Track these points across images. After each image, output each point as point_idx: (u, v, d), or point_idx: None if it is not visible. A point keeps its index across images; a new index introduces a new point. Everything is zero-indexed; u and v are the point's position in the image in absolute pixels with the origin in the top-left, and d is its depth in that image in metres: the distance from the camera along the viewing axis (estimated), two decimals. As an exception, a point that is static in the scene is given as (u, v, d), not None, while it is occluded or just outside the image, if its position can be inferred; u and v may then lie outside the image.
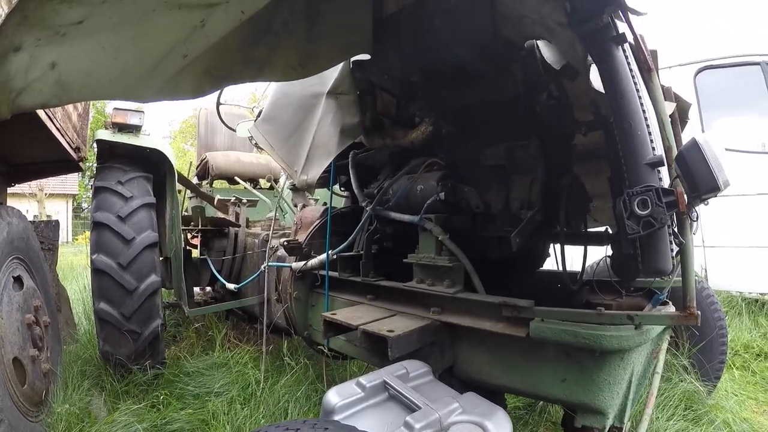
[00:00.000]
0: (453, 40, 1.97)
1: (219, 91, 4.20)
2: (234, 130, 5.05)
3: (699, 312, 1.46)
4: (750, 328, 4.84)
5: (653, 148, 1.31)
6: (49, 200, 22.80)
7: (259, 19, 1.51)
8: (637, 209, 1.23)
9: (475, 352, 2.00)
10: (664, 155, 1.31)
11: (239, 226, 4.42)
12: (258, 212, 5.44)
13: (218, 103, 5.22)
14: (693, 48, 6.06)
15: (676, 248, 1.54)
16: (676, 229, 1.44)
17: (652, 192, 1.22)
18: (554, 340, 1.65)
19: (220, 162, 5.95)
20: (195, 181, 6.31)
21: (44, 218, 7.16)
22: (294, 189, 4.08)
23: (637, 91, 1.36)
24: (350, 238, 2.52)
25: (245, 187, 5.95)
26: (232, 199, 4.77)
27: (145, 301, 3.22)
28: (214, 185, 6.26)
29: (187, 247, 5.04)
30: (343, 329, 2.09)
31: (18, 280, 2.52)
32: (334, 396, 1.51)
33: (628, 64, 1.39)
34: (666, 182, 1.38)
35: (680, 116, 2.61)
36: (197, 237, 4.79)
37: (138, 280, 3.20)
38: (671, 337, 3.21)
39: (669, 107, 2.26)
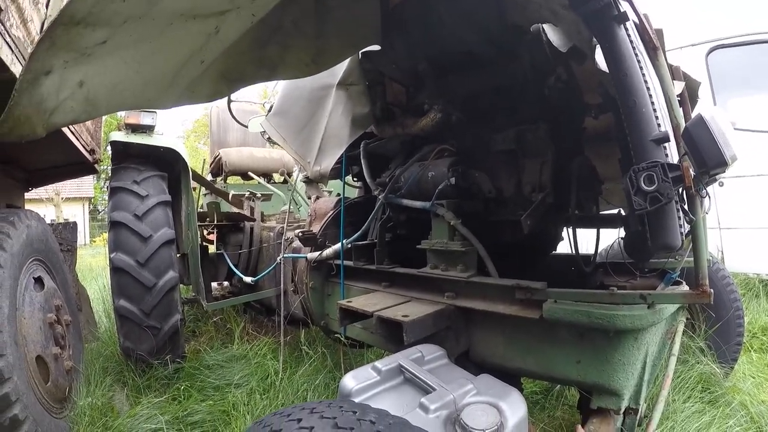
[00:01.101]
0: (459, 27, 1.99)
1: (233, 91, 4.26)
2: (246, 126, 5.09)
3: (712, 290, 1.44)
4: None
5: (659, 125, 1.31)
6: (65, 204, 23.14)
7: (270, 20, 1.54)
8: (643, 185, 1.23)
9: (490, 336, 2.01)
10: (670, 132, 1.31)
11: (254, 220, 4.47)
12: (272, 206, 5.49)
13: (229, 101, 5.27)
14: (704, 27, 5.96)
15: (687, 227, 1.54)
16: (686, 207, 1.45)
17: (658, 167, 1.22)
18: (568, 321, 1.65)
19: (234, 158, 6.01)
20: (209, 178, 6.39)
21: (61, 221, 7.32)
22: (308, 181, 4.12)
23: (642, 69, 1.36)
24: (364, 227, 2.55)
25: (259, 182, 6.00)
26: (246, 194, 4.83)
27: (163, 297, 3.30)
28: (228, 181, 6.34)
29: (204, 243, 5.12)
30: (359, 316, 2.12)
31: (39, 281, 2.58)
32: (350, 380, 1.53)
33: (632, 42, 1.39)
34: (675, 160, 1.38)
35: (690, 95, 2.59)
36: (213, 233, 4.87)
37: (156, 276, 3.27)
38: (687, 319, 3.19)
39: (678, 86, 2.25)
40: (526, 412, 1.40)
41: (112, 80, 0.92)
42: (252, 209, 4.69)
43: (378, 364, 1.62)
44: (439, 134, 2.35)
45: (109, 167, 3.92)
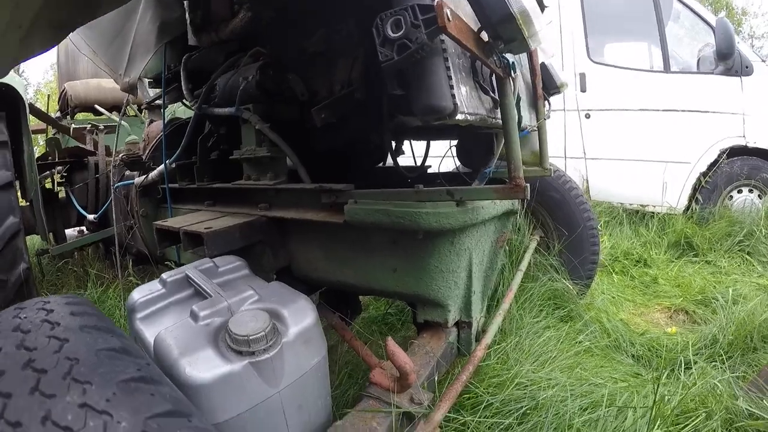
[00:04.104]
0: None
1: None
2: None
3: (527, 185, 1.32)
4: (630, 237, 5.16)
5: None
6: None
7: None
8: (390, 32, 1.05)
9: (308, 249, 1.93)
10: None
11: (95, 153, 4.07)
12: (122, 139, 5.04)
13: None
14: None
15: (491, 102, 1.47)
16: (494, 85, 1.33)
17: (408, 10, 1.02)
18: (369, 222, 1.54)
19: (80, 91, 5.41)
20: (57, 116, 5.71)
21: None
22: (149, 107, 3.78)
23: None
24: (183, 143, 2.34)
25: (109, 117, 5.46)
26: (88, 126, 4.36)
27: (5, 246, 2.92)
28: (77, 117, 5.70)
29: (57, 188, 4.63)
30: (176, 236, 1.98)
31: None
32: (136, 293, 1.40)
33: None
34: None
35: None
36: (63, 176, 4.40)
37: None
38: (541, 237, 3.29)
39: None
40: (315, 320, 1.30)
41: None
42: (95, 142, 4.25)
43: (164, 275, 1.49)
44: (253, 38, 2.17)
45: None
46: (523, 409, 1.61)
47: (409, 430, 1.26)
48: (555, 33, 6.00)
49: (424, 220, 1.43)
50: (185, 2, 2.28)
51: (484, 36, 1.20)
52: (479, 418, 1.56)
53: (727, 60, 5.02)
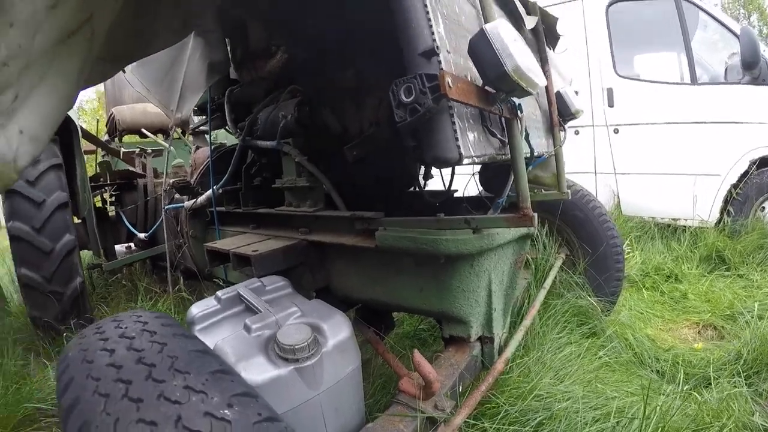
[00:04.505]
0: None
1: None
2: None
3: (535, 214, 1.46)
4: (662, 251, 5.06)
5: (434, 40, 1.25)
6: None
7: None
8: (403, 97, 1.20)
9: (344, 269, 2.11)
10: (438, 45, 1.25)
11: (144, 176, 4.39)
12: (168, 162, 5.38)
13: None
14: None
15: (498, 143, 1.62)
16: (495, 125, 1.50)
17: (417, 78, 1.18)
18: (398, 248, 1.72)
19: (127, 115, 5.80)
20: (106, 139, 6.13)
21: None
22: (194, 133, 4.07)
23: None
24: (229, 171, 2.59)
25: (155, 140, 5.83)
26: (137, 150, 4.71)
27: (62, 261, 3.28)
28: (124, 140, 6.11)
29: (106, 207, 4.99)
30: (226, 258, 2.19)
31: None
32: (194, 308, 1.62)
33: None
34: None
35: (549, 31, 2.71)
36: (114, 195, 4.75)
37: (53, 241, 3.24)
38: (567, 255, 3.34)
39: (531, 21, 2.37)
40: (350, 333, 1.49)
41: (38, 116, 1.05)
42: (144, 165, 4.59)
43: (219, 293, 1.71)
44: (290, 75, 2.39)
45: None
46: (539, 418, 1.74)
47: (433, 433, 1.42)
48: (581, 48, 6.08)
49: (444, 246, 1.60)
50: (227, 41, 2.53)
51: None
52: (497, 425, 1.70)
53: (753, 69, 4.93)
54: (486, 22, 1.58)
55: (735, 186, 5.15)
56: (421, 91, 1.18)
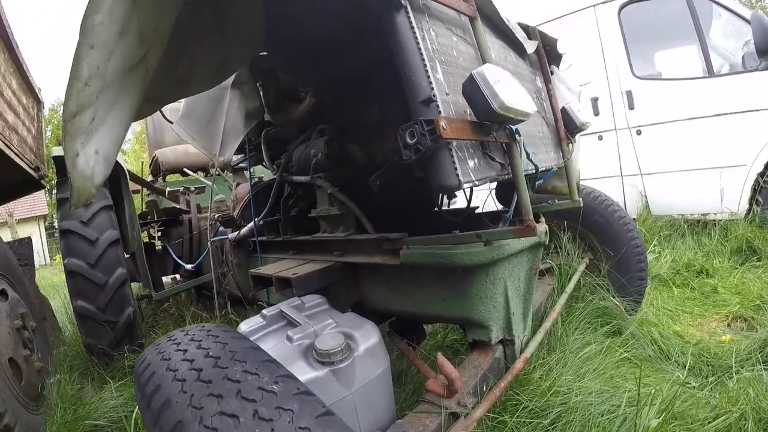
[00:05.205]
0: (317, 16, 2.18)
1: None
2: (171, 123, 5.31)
3: (538, 224, 1.65)
4: (693, 248, 5.07)
5: (432, 88, 1.47)
6: (20, 225, 23.11)
7: (176, 41, 1.66)
8: (408, 139, 1.44)
9: (375, 286, 2.32)
10: (435, 93, 1.47)
11: (189, 212, 4.76)
12: (208, 198, 5.77)
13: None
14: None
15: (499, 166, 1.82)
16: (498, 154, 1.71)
17: (417, 123, 1.41)
18: (421, 263, 1.89)
19: (169, 157, 6.24)
20: (150, 179, 6.60)
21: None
22: (234, 171, 4.42)
23: (419, 42, 1.51)
24: (269, 204, 2.89)
25: (196, 178, 6.25)
26: (181, 189, 5.10)
27: (115, 292, 3.62)
28: (167, 179, 6.56)
29: (153, 241, 5.38)
30: (269, 282, 2.46)
31: (2, 293, 2.92)
32: (243, 325, 1.87)
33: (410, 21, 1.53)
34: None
35: (551, 51, 2.91)
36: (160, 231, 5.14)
37: (106, 274, 3.58)
38: (591, 259, 3.40)
39: (531, 45, 2.58)
40: (379, 340, 1.71)
41: (109, 139, 1.25)
42: (188, 202, 4.96)
43: (264, 311, 1.95)
44: (318, 115, 2.67)
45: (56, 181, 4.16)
46: (557, 412, 1.91)
47: (454, 426, 1.61)
48: (597, 55, 6.20)
49: (460, 259, 1.78)
50: (259, 87, 2.82)
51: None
52: (516, 418, 1.88)
53: (767, 55, 4.87)
54: (483, 61, 1.82)
55: (762, 175, 5.08)
56: (421, 134, 1.42)
